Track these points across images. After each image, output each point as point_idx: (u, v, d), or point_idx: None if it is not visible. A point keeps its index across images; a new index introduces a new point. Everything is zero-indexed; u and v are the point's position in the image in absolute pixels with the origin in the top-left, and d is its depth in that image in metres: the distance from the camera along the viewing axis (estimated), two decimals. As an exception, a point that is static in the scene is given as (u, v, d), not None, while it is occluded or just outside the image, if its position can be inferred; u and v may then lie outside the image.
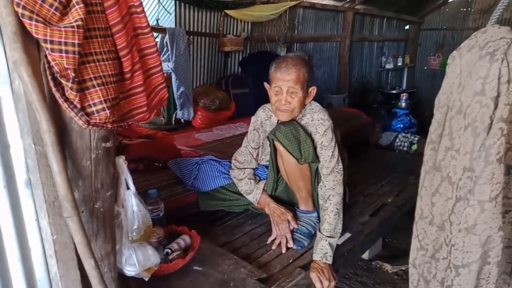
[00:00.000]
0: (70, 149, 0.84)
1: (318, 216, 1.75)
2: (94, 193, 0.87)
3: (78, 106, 0.81)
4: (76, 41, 0.78)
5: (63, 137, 0.83)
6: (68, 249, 0.82)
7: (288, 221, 1.66)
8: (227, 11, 3.57)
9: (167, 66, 3.28)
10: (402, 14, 6.63)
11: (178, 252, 1.37)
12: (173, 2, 3.25)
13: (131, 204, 1.00)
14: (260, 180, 1.85)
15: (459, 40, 6.74)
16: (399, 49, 7.17)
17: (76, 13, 0.78)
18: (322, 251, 1.48)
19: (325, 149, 1.58)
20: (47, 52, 0.76)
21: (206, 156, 2.00)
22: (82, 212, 0.87)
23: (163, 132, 2.21)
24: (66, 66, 0.77)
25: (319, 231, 1.55)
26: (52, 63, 0.77)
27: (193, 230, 1.51)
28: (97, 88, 0.83)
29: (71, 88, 0.79)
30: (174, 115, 3.51)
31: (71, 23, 0.77)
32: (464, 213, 0.63)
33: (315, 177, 1.65)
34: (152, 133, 2.05)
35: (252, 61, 3.97)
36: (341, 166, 1.62)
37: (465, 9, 6.61)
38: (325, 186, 1.60)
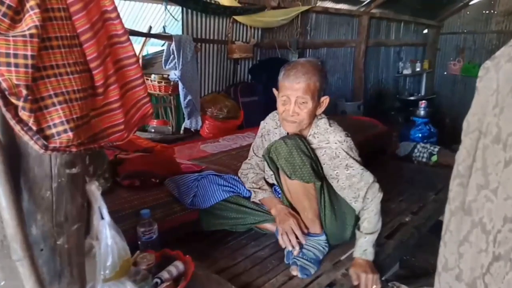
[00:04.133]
0: (26, 178, 0.72)
1: (327, 239, 1.60)
2: (56, 228, 0.75)
3: (34, 128, 0.69)
4: (29, 53, 0.66)
5: (17, 164, 0.71)
6: (20, 296, 0.70)
7: (297, 220, 1.53)
8: (236, 17, 3.46)
9: (174, 75, 3.19)
10: (420, 18, 6.39)
11: (168, 283, 1.24)
12: (180, 9, 3.17)
13: (105, 236, 0.87)
14: (265, 185, 1.72)
15: (481, 44, 6.47)
16: (417, 54, 6.91)
17: (30, 20, 0.67)
18: (361, 248, 1.46)
19: (353, 169, 1.47)
20: (-7, 66, 0.65)
21: (206, 171, 1.87)
22: (42, 250, 0.74)
23: (163, 145, 2.10)
24: (16, 82, 0.65)
25: (358, 229, 1.50)
26: (0, 79, 0.66)
27: (187, 256, 1.37)
28: (58, 107, 0.71)
29: (23, 108, 0.67)
30: (183, 125, 3.42)
31: (24, 31, 0.66)
32: (507, 279, 0.47)
33: (321, 196, 1.50)
34: (151, 146, 1.94)
35: (262, 69, 3.84)
36: (369, 172, 1.52)
37: (487, 11, 6.31)
38: (368, 198, 1.50)
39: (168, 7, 3.11)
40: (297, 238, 1.49)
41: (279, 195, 1.71)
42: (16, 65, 0.65)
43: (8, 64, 0.64)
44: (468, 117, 0.60)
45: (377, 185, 1.51)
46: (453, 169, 0.63)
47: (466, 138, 0.59)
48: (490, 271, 0.51)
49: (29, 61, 0.66)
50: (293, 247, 1.46)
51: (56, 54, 0.72)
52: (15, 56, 0.64)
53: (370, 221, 1.48)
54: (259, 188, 1.70)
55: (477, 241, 0.55)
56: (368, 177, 1.50)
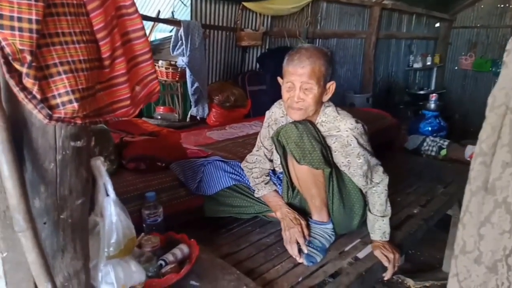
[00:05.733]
0: (30, 149, 0.70)
1: (334, 228, 1.57)
2: (60, 201, 0.73)
3: (38, 96, 0.67)
4: (34, 17, 0.63)
5: (20, 133, 0.69)
6: (22, 269, 0.69)
7: (301, 226, 1.50)
8: (245, 4, 3.41)
9: (182, 61, 3.15)
10: (433, 11, 6.26)
11: (173, 265, 1.22)
12: (189, -6, 3.13)
13: (110, 213, 0.86)
14: (269, 181, 1.70)
15: (494, 39, 6.33)
16: (428, 48, 6.79)
17: (35, -17, 0.64)
18: (381, 231, 1.51)
19: (364, 157, 1.44)
20: (-4, 29, 0.63)
21: (212, 157, 1.85)
22: (45, 223, 0.73)
23: (169, 129, 2.08)
24: (20, 47, 0.63)
25: (371, 212, 1.52)
26: (3, 43, 0.63)
27: (192, 239, 1.36)
28: (64, 76, 0.69)
29: (27, 75, 0.65)
30: (190, 112, 3.40)
31: (28, -6, 0.64)
32: (534, 260, 0.44)
33: (329, 184, 1.48)
34: (157, 130, 1.92)
35: (271, 57, 3.78)
36: (375, 158, 1.50)
37: (502, 5, 6.16)
38: (376, 181, 1.50)
39: (177, -8, 3.07)
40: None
41: (281, 187, 1.69)
42: (20, 29, 0.62)
43: (12, 28, 0.62)
44: (494, 91, 0.57)
45: (381, 168, 1.51)
46: (475, 147, 0.59)
47: (491, 113, 0.56)
48: (515, 253, 0.48)
49: (34, 26, 0.63)
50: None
51: (62, 21, 0.70)
52: (19, 19, 0.62)
53: (382, 203, 1.50)
54: (262, 182, 1.67)
55: (500, 221, 0.52)
56: (374, 161, 1.50)
